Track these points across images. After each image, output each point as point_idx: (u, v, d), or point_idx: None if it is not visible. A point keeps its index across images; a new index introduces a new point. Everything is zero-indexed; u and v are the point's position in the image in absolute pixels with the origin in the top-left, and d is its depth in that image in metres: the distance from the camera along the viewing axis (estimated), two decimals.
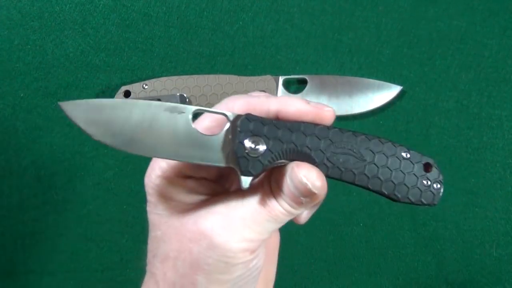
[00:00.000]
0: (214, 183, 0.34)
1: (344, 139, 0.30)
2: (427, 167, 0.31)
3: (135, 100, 0.29)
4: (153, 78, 0.58)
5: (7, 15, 0.60)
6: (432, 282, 0.58)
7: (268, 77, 0.58)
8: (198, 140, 0.30)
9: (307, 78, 0.58)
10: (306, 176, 0.29)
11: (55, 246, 0.59)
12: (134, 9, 0.60)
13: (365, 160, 0.30)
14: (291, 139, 0.30)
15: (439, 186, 0.31)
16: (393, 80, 0.58)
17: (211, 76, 0.58)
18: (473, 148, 0.58)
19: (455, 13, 0.59)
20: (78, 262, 0.59)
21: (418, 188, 0.31)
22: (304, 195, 0.30)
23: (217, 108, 0.32)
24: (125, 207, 0.59)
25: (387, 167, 0.30)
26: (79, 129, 0.28)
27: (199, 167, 0.32)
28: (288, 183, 0.30)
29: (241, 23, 0.60)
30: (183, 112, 0.30)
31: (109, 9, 0.60)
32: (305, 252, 0.58)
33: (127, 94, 0.57)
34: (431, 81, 0.59)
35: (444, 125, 0.58)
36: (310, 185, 0.29)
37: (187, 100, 0.57)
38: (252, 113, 0.30)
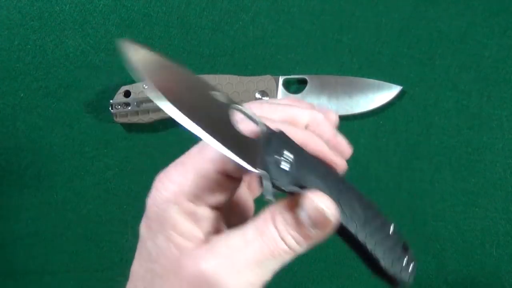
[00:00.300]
0: (219, 216, 0.32)
1: (356, 197, 0.32)
2: (404, 248, 0.32)
3: (193, 75, 0.29)
4: None
5: (7, 15, 0.60)
6: (432, 282, 0.58)
7: (268, 77, 0.58)
8: (237, 134, 0.28)
9: (307, 78, 0.58)
10: (323, 202, 0.28)
11: (55, 246, 0.59)
12: (134, 9, 0.60)
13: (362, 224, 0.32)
14: (316, 183, 0.30)
15: (414, 266, 0.32)
16: (393, 80, 0.58)
17: (211, 76, 0.58)
18: (473, 148, 0.58)
19: (455, 13, 0.59)
20: (78, 262, 0.59)
21: (397, 267, 0.32)
22: (318, 224, 0.29)
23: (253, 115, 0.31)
24: (125, 207, 0.59)
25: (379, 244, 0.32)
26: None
27: (213, 188, 0.30)
28: (299, 214, 0.29)
29: (241, 23, 0.60)
30: (227, 102, 0.29)
31: (109, 9, 0.60)
32: (305, 252, 0.58)
33: (127, 94, 0.57)
34: (431, 81, 0.59)
35: (444, 125, 0.58)
36: (327, 211, 0.28)
37: None
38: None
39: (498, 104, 0.58)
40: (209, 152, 0.30)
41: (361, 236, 0.31)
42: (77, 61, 0.60)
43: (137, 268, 0.31)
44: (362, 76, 0.59)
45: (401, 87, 0.58)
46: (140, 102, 0.57)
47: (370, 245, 0.31)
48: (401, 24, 0.59)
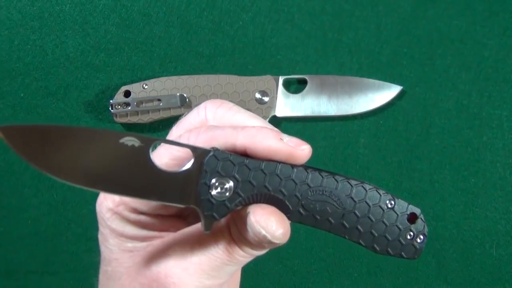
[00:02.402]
0: (172, 218, 0.30)
1: (324, 184, 0.27)
2: (412, 218, 0.28)
3: (83, 128, 0.26)
4: (153, 78, 0.58)
5: (7, 15, 0.60)
6: (432, 282, 0.58)
7: (268, 77, 0.58)
8: (157, 176, 0.26)
9: (307, 78, 0.58)
10: (264, 227, 0.26)
11: (55, 246, 0.59)
12: (134, 9, 0.60)
13: (344, 209, 0.27)
14: (264, 183, 0.27)
15: (422, 239, 0.28)
16: (393, 80, 0.58)
17: (211, 76, 0.58)
18: (473, 148, 0.58)
19: (455, 13, 0.59)
20: (78, 262, 0.59)
21: (400, 241, 0.28)
22: (265, 243, 0.26)
23: (177, 140, 0.28)
24: None
25: (368, 217, 0.27)
26: None
27: (154, 204, 0.29)
28: (248, 230, 0.26)
29: (241, 23, 0.60)
30: (142, 144, 0.26)
31: (109, 9, 0.60)
32: (305, 252, 0.58)
33: (127, 94, 0.58)
34: (431, 81, 0.59)
35: (444, 125, 0.58)
36: (269, 237, 0.26)
37: (187, 100, 0.57)
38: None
39: (498, 104, 0.58)
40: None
41: (340, 231, 0.28)
42: (77, 61, 0.60)
43: (99, 275, 0.31)
44: (362, 76, 0.59)
45: (401, 87, 0.58)
46: (140, 102, 0.57)
47: (354, 237, 0.28)
48: (401, 24, 0.59)
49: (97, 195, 0.30)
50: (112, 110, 0.57)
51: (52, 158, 0.25)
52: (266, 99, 0.58)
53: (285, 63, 0.59)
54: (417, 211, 0.28)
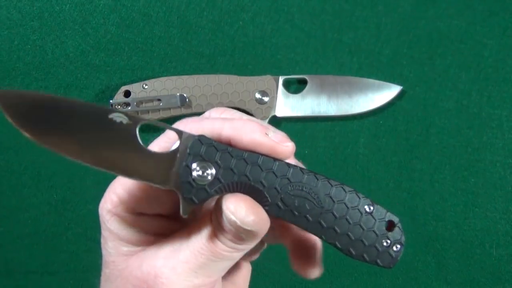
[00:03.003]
0: (170, 220, 0.31)
1: (304, 181, 0.27)
2: (390, 226, 0.28)
3: (76, 100, 0.27)
4: (153, 78, 0.58)
5: (7, 15, 0.60)
6: (432, 282, 0.58)
7: (268, 77, 0.58)
8: (142, 155, 0.26)
9: (307, 78, 0.58)
10: (233, 212, 0.26)
11: (55, 246, 0.59)
12: (134, 9, 0.60)
13: (322, 207, 0.27)
14: (245, 172, 0.27)
15: (399, 248, 0.28)
16: (393, 80, 0.58)
17: (211, 76, 0.58)
18: (473, 148, 0.58)
19: (455, 13, 0.59)
20: (78, 262, 0.59)
21: (376, 248, 0.27)
22: (239, 231, 0.26)
23: (168, 132, 0.29)
24: None
25: (346, 219, 0.27)
26: None
27: (151, 201, 0.29)
28: (223, 219, 0.26)
29: (241, 23, 0.60)
30: (130, 121, 0.27)
31: (109, 9, 0.60)
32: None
33: (127, 94, 0.58)
34: (431, 81, 0.59)
35: (444, 125, 0.58)
36: (239, 222, 0.26)
37: (187, 100, 0.57)
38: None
39: (498, 104, 0.58)
40: (109, 196, 0.30)
41: (317, 230, 0.28)
42: (77, 61, 0.60)
43: (101, 274, 0.31)
44: (362, 76, 0.59)
45: (401, 87, 0.58)
46: (140, 102, 0.57)
47: (330, 238, 0.28)
48: (401, 24, 0.59)
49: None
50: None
51: (42, 126, 0.26)
52: (266, 99, 0.58)
53: (285, 63, 0.59)
54: (395, 219, 0.28)
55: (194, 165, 0.26)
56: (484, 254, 0.58)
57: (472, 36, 0.59)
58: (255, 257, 0.35)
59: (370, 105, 0.58)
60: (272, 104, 0.58)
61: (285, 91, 0.58)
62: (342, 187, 0.27)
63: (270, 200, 0.27)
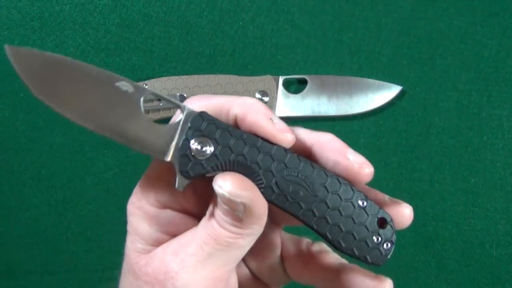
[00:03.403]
0: (194, 219, 0.30)
1: (300, 168, 0.27)
2: (382, 223, 0.27)
3: (85, 64, 0.27)
4: (153, 78, 0.58)
5: (7, 15, 0.60)
6: (432, 282, 0.58)
7: (268, 77, 0.58)
8: (144, 125, 0.27)
9: (307, 78, 0.58)
10: (221, 185, 0.26)
11: (55, 246, 0.59)
12: (134, 9, 0.60)
13: (316, 196, 0.27)
14: (242, 151, 0.27)
15: (389, 246, 0.27)
16: (393, 80, 0.58)
17: (211, 76, 0.58)
18: (473, 148, 0.58)
19: (455, 13, 0.59)
20: (78, 262, 0.59)
21: (366, 243, 0.27)
22: (232, 208, 0.26)
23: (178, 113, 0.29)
24: (125, 207, 0.59)
25: (338, 211, 0.27)
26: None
27: (173, 192, 0.29)
28: (217, 198, 0.26)
29: (241, 23, 0.60)
30: (134, 91, 0.27)
31: (109, 9, 0.60)
32: None
33: None
34: (431, 81, 0.59)
35: (444, 125, 0.58)
36: (227, 195, 0.25)
37: None
38: (210, 113, 0.28)
39: (498, 104, 0.58)
40: (135, 191, 0.30)
41: (309, 218, 0.27)
42: None
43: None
44: (362, 76, 0.59)
45: (401, 87, 0.58)
46: None
47: (322, 227, 0.27)
48: (401, 24, 0.59)
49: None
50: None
51: (50, 86, 0.26)
52: (266, 99, 0.58)
53: (285, 63, 0.59)
54: (388, 217, 0.28)
55: (193, 140, 0.27)
56: (484, 254, 0.58)
57: (472, 36, 0.59)
58: (278, 284, 0.34)
59: (370, 105, 0.58)
60: (272, 104, 0.58)
61: (285, 91, 0.58)
62: (337, 179, 0.27)
63: (264, 183, 0.27)
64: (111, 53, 0.59)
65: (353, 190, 0.28)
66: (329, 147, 0.28)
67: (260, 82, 0.58)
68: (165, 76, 0.58)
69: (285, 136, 0.27)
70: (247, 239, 0.27)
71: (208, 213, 0.28)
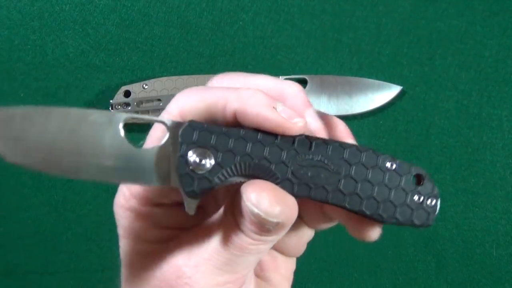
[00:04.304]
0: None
1: (313, 149, 0.24)
2: (418, 180, 0.25)
3: (51, 107, 0.24)
4: (153, 78, 0.58)
5: (7, 15, 0.60)
6: (432, 282, 0.58)
7: None
8: (131, 155, 0.24)
9: (307, 78, 0.58)
10: (256, 204, 0.23)
11: (55, 246, 0.59)
12: (134, 9, 0.60)
13: (339, 173, 0.24)
14: (245, 150, 0.24)
15: (434, 201, 0.25)
16: (393, 80, 0.58)
17: (211, 76, 0.58)
18: (473, 148, 0.58)
19: (455, 13, 0.59)
20: (78, 262, 0.59)
21: (408, 206, 0.25)
22: (266, 224, 0.23)
23: (169, 105, 0.26)
24: None
25: (368, 181, 0.24)
26: None
27: (164, 189, 0.26)
28: (246, 211, 0.23)
29: (241, 23, 0.60)
30: (111, 121, 0.24)
31: (109, 9, 0.60)
32: (305, 252, 0.58)
33: (127, 94, 0.58)
34: (431, 81, 0.59)
35: (444, 125, 0.58)
36: (263, 215, 0.23)
37: None
38: (205, 114, 0.25)
39: (498, 104, 0.58)
40: (121, 189, 0.28)
41: (338, 199, 0.24)
42: (77, 61, 0.60)
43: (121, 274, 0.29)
44: (362, 76, 0.59)
45: (401, 87, 0.58)
46: (140, 102, 0.57)
47: (355, 205, 0.24)
48: (401, 24, 0.59)
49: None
50: (112, 110, 0.57)
51: (17, 145, 0.23)
52: None
53: (285, 63, 0.59)
54: (423, 172, 0.25)
55: (189, 154, 0.24)
56: (484, 254, 0.57)
57: (472, 36, 0.59)
58: (299, 252, 0.32)
59: (370, 105, 0.58)
60: None
61: None
62: (356, 147, 0.25)
63: (280, 177, 0.24)
64: (111, 53, 0.59)
65: (376, 154, 0.25)
66: (253, 100, 0.24)
67: None
68: (165, 76, 0.58)
69: (294, 124, 0.24)
70: (270, 244, 0.25)
71: (224, 213, 0.26)
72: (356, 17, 0.59)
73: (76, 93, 0.60)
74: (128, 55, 0.59)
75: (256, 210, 0.23)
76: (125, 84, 0.58)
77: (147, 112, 0.58)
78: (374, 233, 0.26)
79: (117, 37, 0.59)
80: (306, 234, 0.30)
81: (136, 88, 0.58)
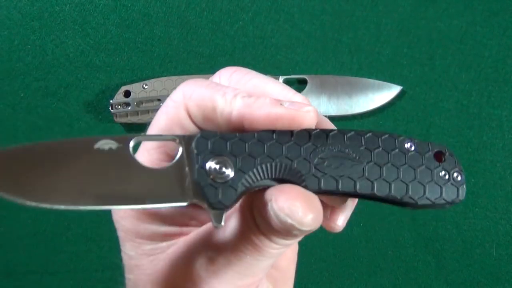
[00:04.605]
0: (194, 208, 0.25)
1: (330, 141, 0.24)
2: (439, 157, 0.24)
3: (55, 141, 0.23)
4: (153, 78, 0.58)
5: (7, 15, 0.60)
6: (432, 282, 0.58)
7: (268, 77, 0.58)
8: (147, 177, 0.23)
9: (307, 78, 0.58)
10: (289, 214, 0.22)
11: (55, 246, 0.59)
12: (134, 9, 0.60)
13: (362, 162, 0.24)
14: (264, 152, 0.23)
15: (460, 176, 0.24)
16: (393, 80, 0.58)
17: (211, 76, 0.58)
18: (473, 148, 0.58)
19: (455, 13, 0.59)
20: (78, 262, 0.59)
21: (437, 184, 0.24)
22: (295, 231, 0.22)
23: (174, 93, 0.25)
24: None
25: (392, 165, 0.24)
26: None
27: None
28: (273, 219, 0.22)
29: (241, 23, 0.60)
30: (120, 144, 0.23)
31: (109, 9, 0.60)
32: (305, 252, 0.58)
33: (127, 94, 0.58)
34: (431, 81, 0.59)
35: (444, 125, 0.58)
36: (297, 225, 0.22)
37: None
38: (210, 113, 0.24)
39: (498, 104, 0.58)
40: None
41: (367, 189, 0.24)
42: (77, 61, 0.60)
43: (125, 280, 0.28)
44: (362, 76, 0.59)
45: (401, 87, 0.58)
46: (140, 102, 0.57)
47: (384, 191, 0.24)
48: (401, 24, 0.59)
49: None
50: (112, 110, 0.57)
51: (25, 183, 0.22)
52: None
53: (285, 63, 0.59)
54: (442, 148, 0.24)
55: (208, 164, 0.23)
56: (484, 254, 0.57)
57: (472, 36, 0.59)
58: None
59: (370, 105, 0.58)
60: None
61: None
62: (372, 133, 0.24)
63: (303, 173, 0.23)
64: (111, 53, 0.59)
65: (393, 136, 0.24)
66: (259, 103, 0.24)
67: None
68: (165, 76, 0.58)
69: (307, 112, 0.23)
70: (289, 247, 0.25)
71: (242, 216, 0.25)
72: (356, 17, 0.59)
73: (76, 93, 0.60)
74: (128, 55, 0.59)
75: (289, 221, 0.22)
76: (125, 84, 0.58)
77: (147, 112, 0.58)
78: (340, 222, 0.25)
79: (117, 37, 0.59)
80: None
81: (136, 88, 0.58)
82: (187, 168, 0.23)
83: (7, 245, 0.59)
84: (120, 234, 0.27)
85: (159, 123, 0.25)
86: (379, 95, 0.58)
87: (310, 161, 0.24)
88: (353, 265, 0.58)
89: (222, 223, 0.23)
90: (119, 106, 0.57)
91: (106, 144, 0.23)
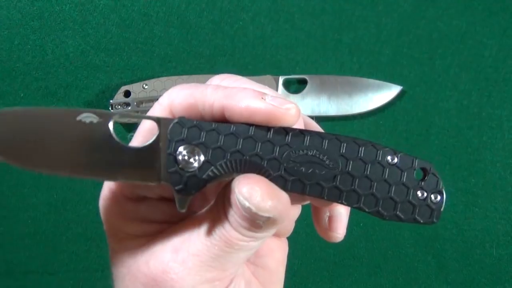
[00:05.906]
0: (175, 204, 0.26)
1: (308, 143, 0.24)
2: (424, 174, 0.24)
3: (41, 108, 0.24)
4: (153, 78, 0.58)
5: (7, 15, 0.60)
6: (432, 282, 0.58)
7: (268, 77, 0.58)
8: (121, 153, 0.24)
9: (307, 78, 0.58)
10: (248, 198, 0.22)
11: (55, 246, 0.59)
12: (134, 9, 0.60)
13: (335, 169, 0.23)
14: (236, 147, 0.23)
15: (438, 197, 0.24)
16: (393, 80, 0.58)
17: (211, 76, 0.58)
18: (473, 148, 0.58)
19: (455, 13, 0.59)
20: (78, 262, 0.59)
21: (410, 203, 0.24)
22: (257, 218, 0.23)
23: (161, 97, 0.26)
24: None
25: (366, 177, 0.23)
26: None
27: (148, 185, 0.26)
28: (236, 204, 0.23)
29: (241, 23, 0.60)
30: (101, 119, 0.24)
31: (109, 9, 0.60)
32: (305, 252, 0.58)
33: (127, 94, 0.58)
34: (431, 81, 0.59)
35: (444, 125, 0.58)
36: (254, 209, 0.22)
37: None
38: (194, 109, 0.24)
39: (498, 104, 0.58)
40: (106, 185, 0.27)
41: (334, 196, 0.23)
42: (77, 61, 0.60)
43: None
44: (362, 76, 0.59)
45: (401, 87, 0.58)
46: (140, 102, 0.57)
47: (353, 202, 0.23)
48: (401, 24, 0.59)
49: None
50: (112, 110, 0.57)
51: (8, 143, 0.23)
52: None
53: (285, 63, 0.59)
54: (427, 165, 0.24)
55: (178, 151, 0.23)
56: (484, 254, 0.58)
57: (472, 36, 0.59)
58: (288, 232, 0.31)
59: (370, 105, 0.58)
60: None
61: (285, 91, 0.58)
62: (354, 141, 0.24)
63: (272, 173, 0.23)
64: (111, 53, 0.59)
65: (376, 148, 0.23)
66: (240, 95, 0.24)
67: (260, 82, 0.57)
68: (165, 76, 0.58)
69: (286, 110, 0.23)
70: (260, 241, 0.25)
71: (215, 208, 0.25)
72: (356, 17, 0.59)
73: (76, 93, 0.60)
74: (128, 55, 0.59)
75: (247, 204, 0.22)
76: (125, 84, 0.58)
77: (147, 112, 0.58)
78: (339, 231, 0.26)
79: (117, 37, 0.59)
80: (294, 211, 0.30)
81: (136, 88, 0.58)
82: (160, 150, 0.24)
83: (7, 245, 0.59)
84: (106, 227, 0.28)
85: (145, 126, 0.27)
86: (379, 95, 0.58)
87: (281, 162, 0.23)
88: (353, 265, 0.58)
89: (185, 208, 0.24)
90: (119, 106, 0.57)
91: (88, 117, 0.24)
